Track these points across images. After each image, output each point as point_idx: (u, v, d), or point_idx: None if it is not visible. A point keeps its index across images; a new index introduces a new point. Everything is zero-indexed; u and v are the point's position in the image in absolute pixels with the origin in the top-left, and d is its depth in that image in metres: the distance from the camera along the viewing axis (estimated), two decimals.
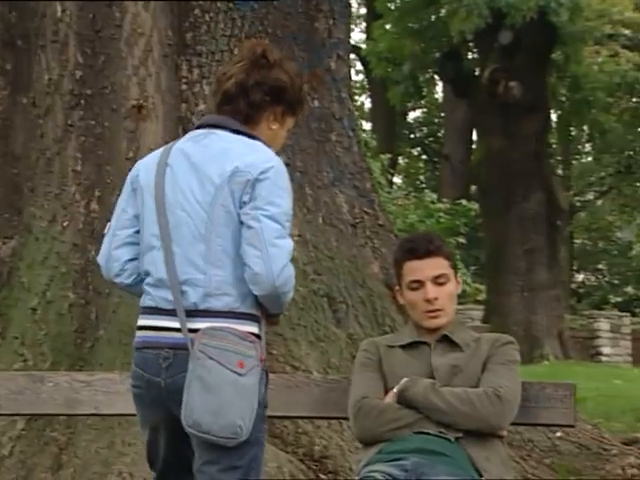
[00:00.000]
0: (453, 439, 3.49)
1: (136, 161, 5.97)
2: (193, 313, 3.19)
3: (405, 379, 3.60)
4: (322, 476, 5.56)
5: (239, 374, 3.11)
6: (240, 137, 3.30)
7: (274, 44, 6.55)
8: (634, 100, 26.96)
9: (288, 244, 3.20)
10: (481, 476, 3.42)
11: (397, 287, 3.85)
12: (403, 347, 3.75)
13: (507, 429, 3.66)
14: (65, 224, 6.16)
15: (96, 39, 6.33)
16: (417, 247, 3.74)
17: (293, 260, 6.07)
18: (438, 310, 3.69)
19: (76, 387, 4.08)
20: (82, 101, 6.31)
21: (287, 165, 6.29)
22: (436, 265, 3.71)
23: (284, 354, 5.95)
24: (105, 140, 6.24)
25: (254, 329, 3.23)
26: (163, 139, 6.20)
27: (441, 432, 3.49)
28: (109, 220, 3.49)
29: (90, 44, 6.33)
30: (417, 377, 3.60)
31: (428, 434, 3.49)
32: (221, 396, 3.09)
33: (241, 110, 3.33)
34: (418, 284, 3.69)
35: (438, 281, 3.70)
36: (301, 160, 6.65)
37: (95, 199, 6.18)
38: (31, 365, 5.72)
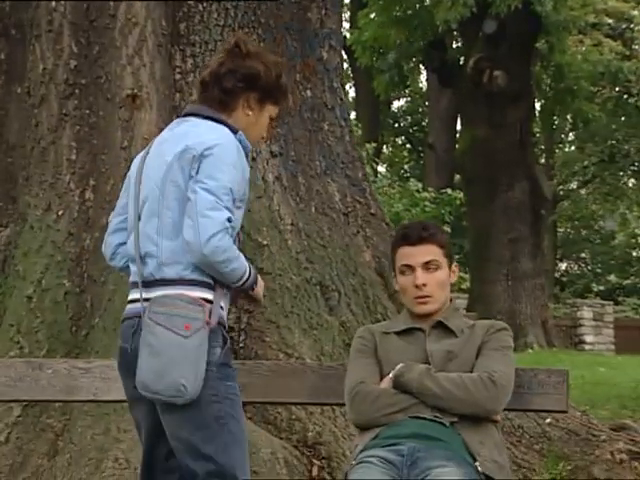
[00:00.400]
0: (448, 424, 3.54)
1: (131, 150, 6.08)
2: (150, 283, 3.40)
3: (400, 365, 3.64)
4: (316, 462, 5.60)
5: (184, 336, 3.28)
6: (206, 121, 3.47)
7: (267, 34, 6.62)
8: (617, 89, 27.08)
9: (220, 216, 3.29)
10: (475, 460, 3.46)
11: (393, 274, 3.92)
12: (398, 333, 3.80)
13: (500, 414, 3.73)
14: (60, 213, 6.18)
15: (90, 29, 6.35)
16: (410, 233, 3.82)
17: (286, 248, 6.16)
18: (427, 296, 3.75)
19: (75, 374, 4.13)
20: (77, 90, 6.33)
21: (280, 154, 6.44)
22: (427, 252, 3.77)
23: (277, 342, 5.99)
24: (100, 129, 6.26)
25: (206, 295, 3.37)
26: (157, 128, 6.23)
27: (436, 417, 3.54)
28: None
29: (84, 34, 6.35)
30: (412, 363, 3.65)
31: (424, 419, 3.55)
32: (165, 358, 3.27)
33: (215, 97, 3.50)
34: (408, 269, 3.77)
35: (428, 267, 3.76)
36: (294, 149, 6.68)
37: (90, 188, 6.20)
38: (27, 353, 5.74)
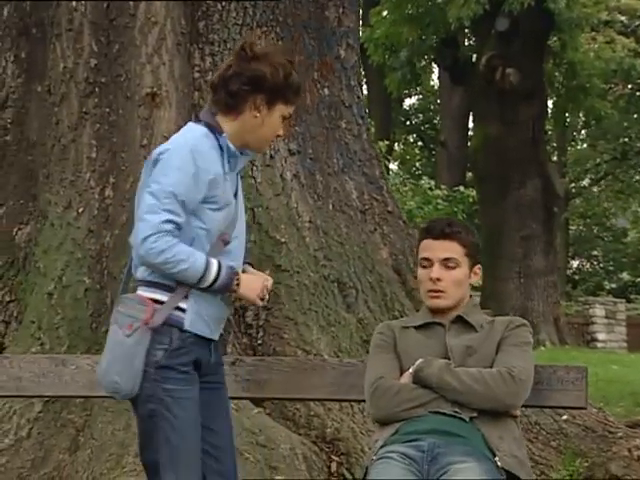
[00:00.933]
0: (468, 419, 3.56)
1: (150, 148, 6.12)
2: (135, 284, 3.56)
3: (420, 360, 3.67)
4: (334, 458, 5.63)
5: (126, 335, 3.41)
6: (192, 125, 3.59)
7: (285, 32, 6.65)
8: (630, 87, 27.04)
9: (156, 218, 3.37)
10: (494, 455, 3.48)
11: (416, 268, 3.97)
12: (418, 328, 3.83)
13: (520, 409, 3.75)
14: (80, 210, 6.22)
15: (110, 28, 6.39)
16: (433, 228, 3.86)
17: (304, 245, 6.20)
18: (440, 291, 3.78)
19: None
20: (97, 89, 6.37)
21: (298, 152, 6.48)
22: (447, 248, 3.80)
23: (295, 338, 6.03)
24: (119, 127, 6.30)
25: (157, 296, 3.46)
26: (176, 126, 6.27)
27: (456, 412, 3.57)
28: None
29: (104, 33, 6.39)
30: (432, 358, 3.67)
31: (443, 414, 3.57)
32: (109, 355, 3.44)
33: (221, 100, 3.56)
34: (427, 262, 3.80)
35: (447, 264, 3.79)
36: (311, 147, 6.72)
37: (110, 186, 6.24)
38: (48, 349, 5.79)
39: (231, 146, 3.53)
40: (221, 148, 3.52)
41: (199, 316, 3.48)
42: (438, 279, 3.77)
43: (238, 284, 3.49)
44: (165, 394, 3.41)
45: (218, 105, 3.57)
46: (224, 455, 3.58)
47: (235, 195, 3.60)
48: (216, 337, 3.59)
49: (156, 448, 3.44)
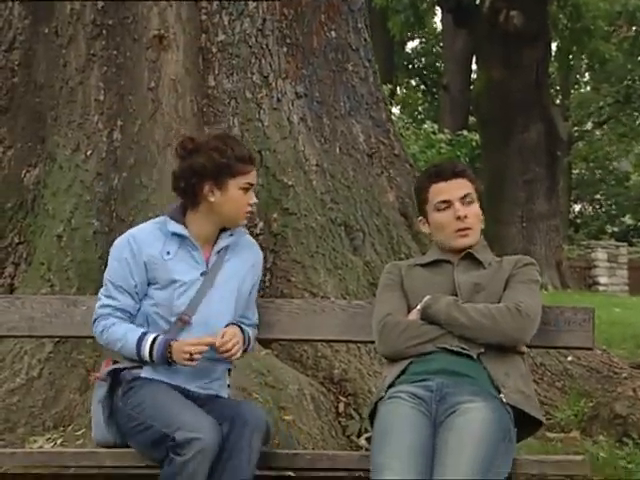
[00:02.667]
0: (475, 356, 3.60)
1: (157, 91, 6.13)
2: None
3: (428, 297, 3.71)
4: (342, 398, 5.67)
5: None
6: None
7: None
8: (634, 29, 26.83)
9: (97, 305, 3.88)
10: (499, 392, 3.53)
11: (420, 217, 3.95)
12: (425, 265, 3.88)
13: (527, 345, 3.77)
14: (88, 153, 6.23)
15: None
16: (443, 170, 3.88)
17: (311, 189, 6.21)
18: (468, 229, 3.81)
19: None
20: (104, 31, 6.34)
21: (305, 95, 6.47)
22: (462, 186, 3.84)
23: (303, 281, 6.05)
24: (127, 70, 6.28)
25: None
26: (184, 69, 6.28)
27: (463, 348, 3.61)
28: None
29: None
30: (439, 294, 3.71)
31: (451, 352, 3.61)
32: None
33: (181, 197, 3.90)
34: (446, 204, 3.81)
35: (465, 201, 3.82)
36: (318, 90, 6.70)
37: (118, 128, 6.24)
38: (58, 290, 5.82)
39: (176, 230, 3.81)
40: (162, 230, 3.84)
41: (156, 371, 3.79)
42: (465, 216, 3.79)
43: (170, 355, 3.70)
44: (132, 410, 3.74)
45: (181, 203, 3.90)
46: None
47: (202, 273, 3.82)
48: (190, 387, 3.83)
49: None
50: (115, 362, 3.86)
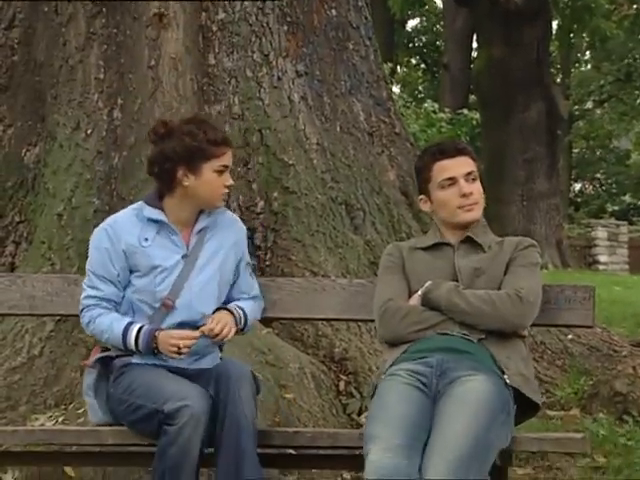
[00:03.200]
0: (476, 340, 3.60)
1: (158, 69, 6.13)
2: None
3: (429, 282, 3.69)
4: (342, 377, 5.69)
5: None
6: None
7: None
8: (635, 7, 26.73)
9: (82, 296, 3.87)
10: (503, 374, 3.53)
11: (421, 196, 3.93)
12: (426, 249, 3.85)
13: (528, 330, 3.78)
14: (89, 131, 6.23)
15: None
16: (446, 148, 3.86)
17: (312, 167, 6.21)
18: (474, 204, 3.79)
19: None
20: (104, 9, 6.33)
21: (305, 74, 6.46)
22: (465, 162, 3.82)
23: (303, 260, 6.06)
24: (127, 48, 6.27)
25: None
26: (184, 47, 6.26)
27: (464, 334, 3.61)
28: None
29: None
30: (440, 280, 3.69)
31: (452, 335, 3.62)
32: None
33: (157, 181, 3.89)
34: (451, 181, 3.79)
35: (470, 178, 3.80)
36: (319, 69, 6.69)
37: (118, 107, 6.23)
38: (58, 269, 5.83)
39: (152, 215, 3.81)
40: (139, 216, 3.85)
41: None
42: (471, 193, 3.78)
43: (156, 345, 3.71)
44: (122, 394, 3.76)
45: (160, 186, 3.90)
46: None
47: (183, 256, 3.82)
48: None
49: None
50: (104, 350, 3.87)
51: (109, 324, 3.76)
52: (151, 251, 3.79)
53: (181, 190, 3.80)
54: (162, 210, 3.83)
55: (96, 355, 3.87)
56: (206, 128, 3.81)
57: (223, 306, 3.89)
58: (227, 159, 3.83)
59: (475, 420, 3.25)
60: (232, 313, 3.87)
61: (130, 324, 3.75)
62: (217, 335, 3.75)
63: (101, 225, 3.90)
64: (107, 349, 3.89)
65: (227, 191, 3.86)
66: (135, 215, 3.85)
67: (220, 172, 3.80)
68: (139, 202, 3.91)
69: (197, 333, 3.73)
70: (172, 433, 3.46)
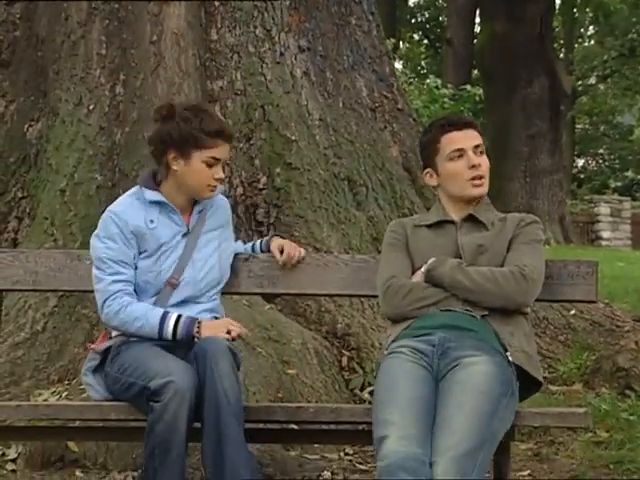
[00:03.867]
0: (479, 317, 3.59)
1: (160, 45, 6.11)
2: None
3: (432, 259, 3.68)
4: (345, 352, 5.70)
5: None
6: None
7: None
8: None
9: (103, 286, 3.80)
10: (506, 350, 3.52)
11: (427, 169, 3.92)
12: (430, 226, 3.83)
13: (531, 306, 3.78)
14: (91, 107, 6.22)
15: None
16: (454, 120, 3.85)
17: (314, 143, 6.20)
18: (482, 177, 3.78)
19: None
20: None
21: (308, 49, 6.44)
22: (473, 135, 3.81)
23: (306, 236, 6.06)
24: (129, 23, 6.26)
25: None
26: (186, 22, 6.25)
27: (467, 310, 3.60)
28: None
29: None
30: (444, 257, 3.68)
31: (455, 312, 3.61)
32: None
33: (150, 172, 3.95)
34: (459, 152, 3.77)
35: (478, 150, 3.79)
36: (321, 44, 6.68)
37: (120, 82, 6.23)
38: (61, 245, 5.84)
39: (153, 197, 3.82)
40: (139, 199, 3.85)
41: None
42: (479, 164, 3.77)
43: (199, 330, 3.70)
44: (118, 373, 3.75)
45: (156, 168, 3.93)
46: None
47: (185, 235, 3.86)
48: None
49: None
50: (111, 338, 3.86)
51: (144, 312, 3.73)
52: (157, 232, 3.82)
53: (172, 175, 3.82)
54: (160, 192, 3.86)
55: (104, 342, 3.86)
56: (204, 116, 3.81)
57: (275, 235, 4.15)
58: (219, 152, 3.82)
59: (479, 410, 3.24)
60: (280, 236, 4.15)
61: (167, 313, 3.74)
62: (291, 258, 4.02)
63: (105, 215, 3.86)
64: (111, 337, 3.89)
65: (216, 184, 3.86)
66: (136, 199, 3.86)
67: (210, 164, 3.81)
68: (134, 187, 3.92)
69: (245, 330, 3.81)
70: (158, 409, 3.46)
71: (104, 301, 3.77)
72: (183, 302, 3.82)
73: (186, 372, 3.54)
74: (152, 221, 3.82)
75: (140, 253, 3.82)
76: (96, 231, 3.86)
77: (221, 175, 3.84)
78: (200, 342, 3.67)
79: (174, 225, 3.85)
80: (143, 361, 3.63)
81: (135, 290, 3.82)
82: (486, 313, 3.61)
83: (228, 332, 3.69)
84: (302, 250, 4.12)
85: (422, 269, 3.70)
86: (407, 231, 3.86)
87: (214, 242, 3.92)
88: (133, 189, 3.92)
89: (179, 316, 3.72)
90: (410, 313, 3.66)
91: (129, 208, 3.83)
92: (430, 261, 3.69)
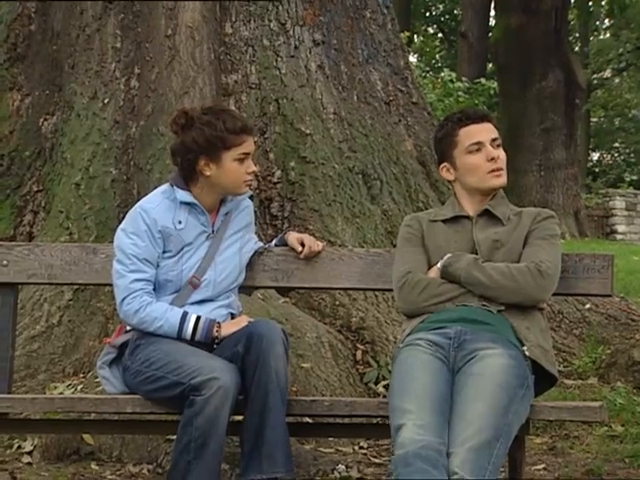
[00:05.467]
0: (495, 311, 3.59)
1: (175, 38, 6.11)
2: None
3: (448, 255, 3.68)
4: (360, 346, 5.70)
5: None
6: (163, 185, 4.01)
7: None
8: None
9: (124, 282, 3.78)
10: (523, 345, 3.52)
11: (444, 164, 3.91)
12: (445, 221, 3.82)
13: (547, 302, 3.77)
14: (106, 101, 6.24)
15: None
16: (471, 113, 3.84)
17: (329, 137, 6.20)
18: (501, 169, 3.78)
19: None
20: None
21: (322, 43, 6.43)
22: (491, 129, 3.81)
23: (320, 230, 6.06)
24: (144, 17, 6.27)
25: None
26: (201, 16, 6.25)
27: (484, 305, 3.59)
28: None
29: None
30: (460, 252, 3.68)
31: (471, 307, 3.60)
32: None
33: (179, 169, 3.90)
34: (479, 145, 3.76)
35: (496, 144, 3.79)
36: (336, 37, 6.67)
37: (135, 76, 6.25)
38: (76, 238, 5.87)
39: (185, 199, 3.82)
40: (170, 198, 3.84)
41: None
42: (498, 156, 3.76)
43: (218, 331, 3.73)
44: (140, 367, 3.76)
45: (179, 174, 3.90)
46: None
47: (209, 236, 3.87)
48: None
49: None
50: (128, 331, 3.87)
51: (163, 312, 3.74)
52: (184, 233, 3.83)
53: (204, 180, 3.82)
54: (191, 192, 3.85)
55: (121, 336, 3.87)
56: (225, 117, 3.81)
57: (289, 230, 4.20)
58: (247, 147, 3.83)
59: (495, 402, 3.24)
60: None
61: (186, 314, 3.75)
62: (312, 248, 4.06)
63: (133, 210, 3.85)
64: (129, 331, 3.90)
65: (250, 178, 3.87)
66: (167, 198, 3.85)
67: (241, 160, 3.81)
68: (165, 185, 3.91)
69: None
70: (199, 403, 3.47)
71: (123, 299, 3.76)
72: (202, 302, 3.83)
73: (230, 370, 3.57)
74: (180, 222, 3.82)
75: (164, 252, 3.82)
76: (123, 225, 3.85)
77: (253, 168, 3.85)
78: (255, 324, 3.71)
79: (201, 226, 3.86)
80: (176, 357, 3.63)
81: (154, 287, 3.83)
82: (502, 308, 3.60)
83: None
84: (320, 243, 4.14)
85: (438, 265, 3.70)
86: (423, 226, 3.85)
87: (236, 244, 3.94)
88: (164, 186, 3.91)
89: (198, 317, 3.74)
90: (426, 309, 3.66)
91: (159, 207, 3.83)
92: (446, 257, 3.68)
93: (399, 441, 3.14)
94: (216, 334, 3.72)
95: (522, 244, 3.72)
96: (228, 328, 3.74)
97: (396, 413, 3.26)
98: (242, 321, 3.77)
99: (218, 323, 3.74)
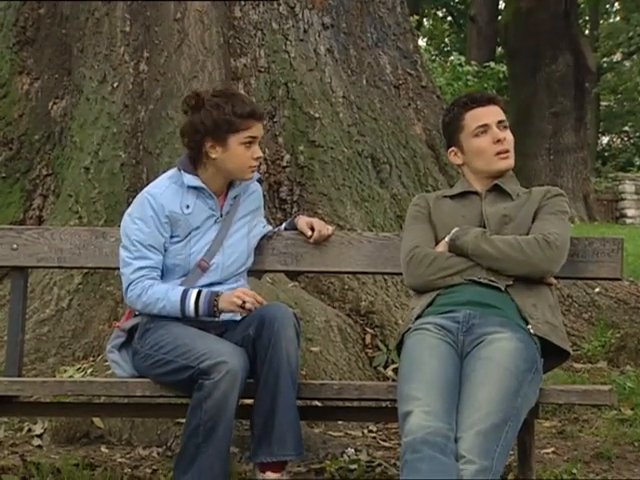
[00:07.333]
0: (503, 288, 3.58)
1: (184, 22, 6.10)
2: None
3: (456, 228, 3.68)
4: (369, 330, 5.70)
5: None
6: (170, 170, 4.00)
7: None
8: None
9: (128, 270, 3.79)
10: (527, 323, 3.52)
11: (452, 148, 3.91)
12: (453, 197, 3.84)
13: (555, 276, 3.75)
14: (115, 85, 6.23)
15: None
16: (477, 97, 3.86)
17: (338, 121, 6.19)
18: (507, 151, 3.78)
19: None
20: None
21: (331, 26, 6.42)
22: (497, 111, 3.82)
23: (330, 214, 6.06)
24: (153, 1, 6.25)
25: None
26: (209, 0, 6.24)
27: (492, 280, 3.59)
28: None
29: None
30: (468, 226, 3.68)
31: (479, 284, 3.59)
32: None
33: (187, 155, 3.90)
34: (485, 128, 3.78)
35: (503, 125, 3.80)
36: (345, 21, 6.66)
37: (144, 60, 6.23)
38: (86, 222, 5.87)
39: (192, 183, 3.81)
40: (178, 183, 3.84)
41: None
42: (504, 138, 3.77)
43: (216, 304, 3.70)
44: (149, 349, 3.76)
45: (187, 157, 3.91)
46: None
47: (217, 220, 3.86)
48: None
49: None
50: (136, 315, 3.88)
51: (164, 292, 3.74)
52: (192, 218, 3.83)
53: (210, 162, 3.82)
54: (198, 176, 3.86)
55: (130, 320, 3.89)
56: (234, 101, 3.80)
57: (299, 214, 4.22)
58: (255, 131, 3.82)
59: (504, 386, 3.25)
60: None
61: (187, 290, 3.75)
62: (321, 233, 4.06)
63: (140, 195, 3.84)
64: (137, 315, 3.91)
65: (256, 164, 3.87)
66: (174, 182, 3.85)
67: (247, 144, 3.81)
68: (172, 170, 3.91)
69: (260, 298, 3.77)
70: (208, 386, 3.48)
71: (128, 286, 3.78)
72: (210, 285, 3.82)
73: (239, 354, 3.57)
74: (188, 206, 3.82)
75: (171, 237, 3.82)
76: (129, 210, 3.85)
77: (259, 154, 3.85)
78: (267, 307, 3.71)
79: (209, 210, 3.86)
80: (185, 341, 3.64)
81: (162, 272, 3.83)
82: (510, 283, 3.59)
83: (242, 306, 3.67)
84: (330, 227, 4.14)
85: (446, 239, 3.70)
86: (430, 203, 3.86)
87: (245, 228, 3.94)
88: (171, 171, 3.90)
89: (199, 292, 3.73)
90: (434, 283, 3.66)
91: (167, 192, 3.83)
92: (454, 230, 3.69)
93: (407, 428, 3.14)
94: (214, 307, 3.70)
95: (531, 219, 3.72)
96: (225, 302, 3.70)
97: (404, 400, 3.27)
98: (236, 295, 3.71)
99: (217, 295, 3.71)
